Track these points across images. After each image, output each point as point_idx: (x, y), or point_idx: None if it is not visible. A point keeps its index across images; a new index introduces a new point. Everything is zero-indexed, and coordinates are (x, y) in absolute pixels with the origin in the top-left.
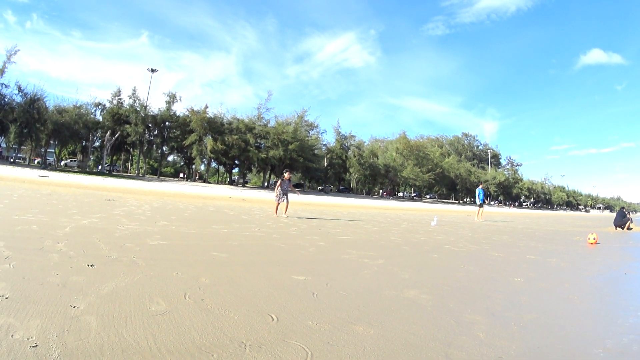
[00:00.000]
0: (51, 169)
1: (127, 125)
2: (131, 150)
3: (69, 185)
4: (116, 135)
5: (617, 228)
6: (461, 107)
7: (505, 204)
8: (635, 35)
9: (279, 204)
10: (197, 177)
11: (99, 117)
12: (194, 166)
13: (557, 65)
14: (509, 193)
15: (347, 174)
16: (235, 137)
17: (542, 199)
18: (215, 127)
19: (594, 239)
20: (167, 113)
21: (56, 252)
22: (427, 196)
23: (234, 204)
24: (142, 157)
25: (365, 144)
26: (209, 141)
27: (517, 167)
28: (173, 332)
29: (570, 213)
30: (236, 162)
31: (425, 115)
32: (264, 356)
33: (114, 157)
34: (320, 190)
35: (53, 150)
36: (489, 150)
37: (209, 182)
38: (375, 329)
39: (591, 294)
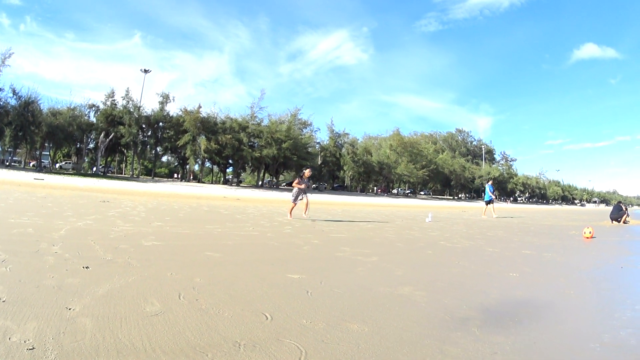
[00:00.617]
0: (46, 172)
1: (121, 127)
2: (125, 151)
3: (64, 188)
4: (110, 137)
5: (614, 222)
6: (454, 103)
7: (500, 199)
8: (630, 29)
9: (295, 204)
10: (191, 177)
11: (93, 119)
12: (188, 166)
13: (550, 60)
14: (503, 188)
15: (341, 171)
16: (229, 136)
17: (537, 194)
18: (208, 126)
19: (590, 232)
20: (161, 113)
21: (52, 255)
22: (422, 193)
23: (229, 204)
24: (136, 158)
25: (359, 141)
26: (202, 141)
27: (511, 163)
28: (167, 333)
29: (565, 207)
30: (230, 161)
31: (419, 112)
32: (258, 355)
33: (109, 159)
34: (314, 189)
35: (48, 153)
36: (482, 146)
37: (203, 182)
38: (370, 326)
39: (587, 289)
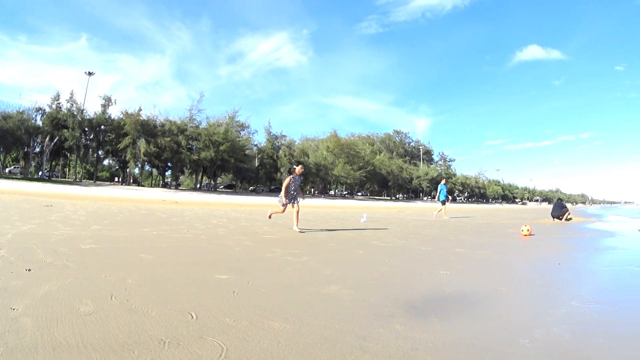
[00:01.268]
0: None
1: (65, 130)
2: (69, 155)
3: (12, 193)
4: (55, 140)
5: (555, 219)
6: (393, 104)
7: (438, 199)
8: (577, 31)
9: (283, 210)
10: (131, 181)
11: (40, 123)
12: (128, 170)
13: (491, 62)
14: None
15: (279, 173)
16: (168, 139)
17: (477, 193)
18: (148, 129)
19: (528, 230)
20: (103, 116)
21: None
22: (359, 194)
23: (166, 207)
24: (79, 162)
25: (296, 143)
26: (142, 144)
27: (450, 163)
28: (99, 331)
29: (506, 206)
30: (169, 164)
31: (357, 114)
32: (181, 352)
33: (53, 163)
34: (251, 191)
35: None
36: (421, 147)
37: (143, 186)
38: (292, 324)
39: (521, 285)
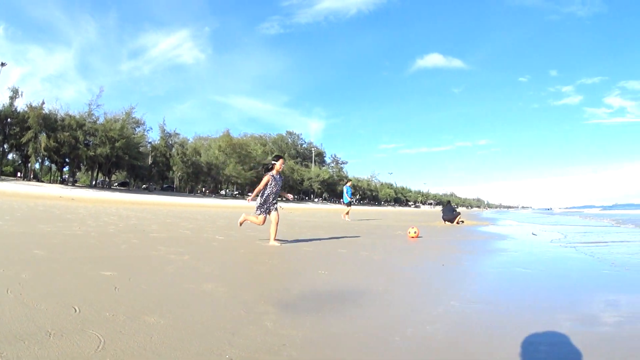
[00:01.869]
0: None
1: None
2: None
3: None
4: None
5: (447, 222)
6: (287, 106)
7: (329, 201)
8: (482, 42)
9: (257, 219)
10: (32, 176)
11: None
12: (29, 164)
13: (390, 68)
14: (333, 190)
15: (171, 172)
16: (67, 134)
17: (369, 196)
18: (49, 123)
19: (415, 232)
20: (9, 109)
21: None
22: (249, 194)
23: (63, 204)
24: None
25: (189, 141)
26: (42, 138)
27: (342, 165)
28: None
29: (398, 209)
30: (67, 160)
31: (251, 114)
32: (64, 343)
33: None
34: (144, 189)
35: None
36: (313, 149)
37: (43, 181)
38: (167, 319)
39: (401, 285)
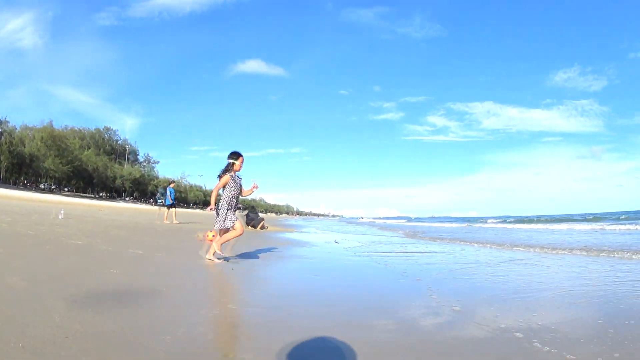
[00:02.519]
0: None
1: None
2: None
3: None
4: None
5: (250, 227)
6: (108, 100)
7: (139, 200)
8: (306, 54)
9: (218, 235)
10: None
11: None
12: None
13: (211, 70)
14: (144, 190)
15: None
16: None
17: (178, 197)
18: None
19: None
20: None
21: None
22: (66, 189)
23: None
24: None
25: (17, 130)
26: None
27: (154, 165)
28: None
29: (207, 212)
30: None
31: (75, 106)
32: None
33: None
34: None
35: None
36: (127, 146)
37: None
38: None
39: (184, 287)
